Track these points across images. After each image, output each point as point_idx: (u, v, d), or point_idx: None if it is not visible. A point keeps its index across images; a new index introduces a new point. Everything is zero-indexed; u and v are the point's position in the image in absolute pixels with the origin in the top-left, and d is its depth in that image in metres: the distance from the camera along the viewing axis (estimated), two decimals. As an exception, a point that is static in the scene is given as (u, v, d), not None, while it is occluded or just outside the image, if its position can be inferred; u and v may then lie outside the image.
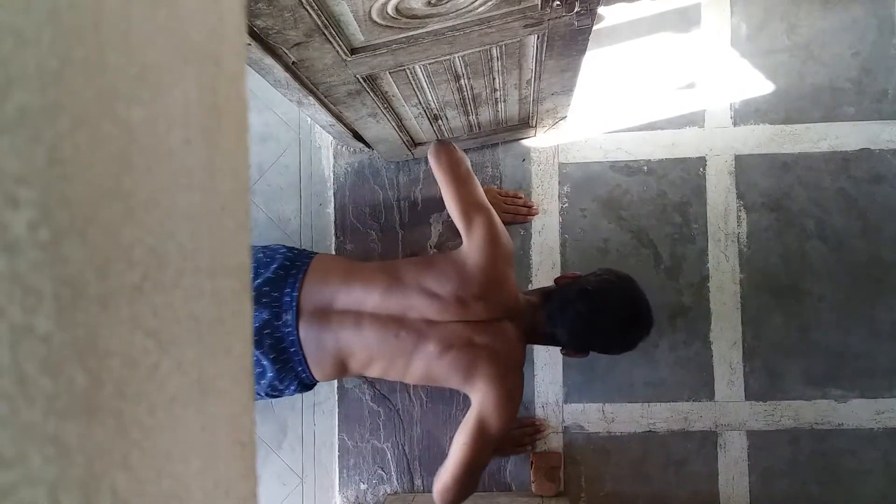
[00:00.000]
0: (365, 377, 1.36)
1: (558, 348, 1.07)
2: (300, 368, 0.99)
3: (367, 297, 0.97)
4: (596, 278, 1.00)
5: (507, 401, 0.93)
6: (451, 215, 1.04)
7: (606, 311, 0.95)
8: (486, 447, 0.93)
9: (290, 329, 0.96)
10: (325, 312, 0.97)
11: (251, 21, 0.66)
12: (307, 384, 1.03)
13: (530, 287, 1.38)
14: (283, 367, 0.98)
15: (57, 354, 0.17)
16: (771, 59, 1.39)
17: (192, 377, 0.23)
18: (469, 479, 0.94)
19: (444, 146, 1.06)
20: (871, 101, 1.37)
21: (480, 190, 1.04)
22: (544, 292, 1.04)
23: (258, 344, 0.96)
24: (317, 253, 1.06)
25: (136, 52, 0.20)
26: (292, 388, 1.02)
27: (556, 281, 1.06)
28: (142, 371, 0.20)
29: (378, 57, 0.79)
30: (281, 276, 0.99)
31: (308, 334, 0.96)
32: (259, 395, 1.04)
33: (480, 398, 0.93)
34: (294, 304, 0.97)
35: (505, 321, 0.97)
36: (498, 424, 0.92)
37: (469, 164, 1.08)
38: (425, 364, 0.94)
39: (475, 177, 1.06)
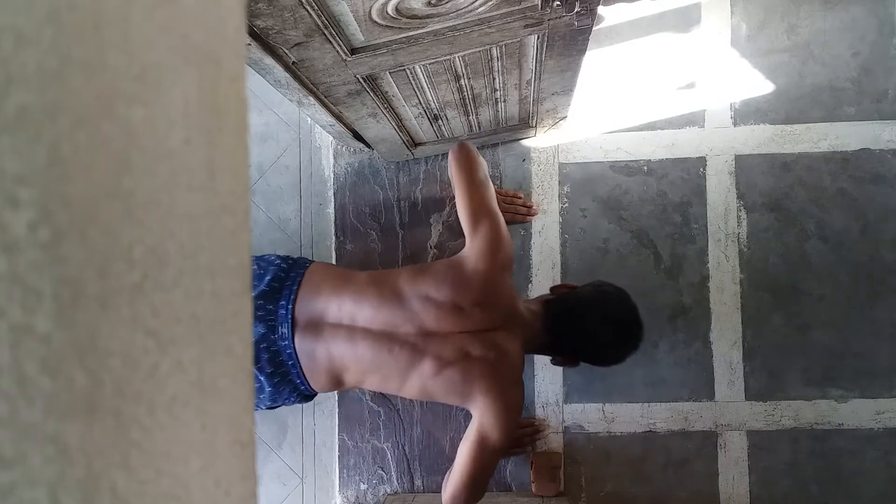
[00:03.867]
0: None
1: (548, 357, 1.08)
2: (298, 381, 0.98)
3: (359, 310, 0.95)
4: (594, 288, 1.03)
5: (506, 414, 0.92)
6: (459, 216, 1.03)
7: (607, 319, 0.98)
8: (491, 458, 0.94)
9: (286, 342, 0.95)
10: (318, 325, 0.96)
11: (251, 21, 0.66)
12: (306, 395, 1.03)
13: (529, 290, 1.38)
14: (282, 381, 0.98)
15: (57, 354, 0.17)
16: (771, 59, 1.39)
17: (192, 377, 0.23)
18: (476, 487, 0.95)
19: (466, 148, 1.05)
20: (871, 101, 1.37)
21: (493, 197, 1.03)
22: (543, 301, 1.04)
23: (255, 360, 0.95)
24: (312, 261, 1.05)
25: (136, 52, 0.20)
26: (292, 399, 1.02)
27: (551, 290, 1.08)
28: (142, 371, 0.20)
29: (378, 57, 0.79)
30: (275, 289, 0.98)
31: (303, 347, 0.96)
32: (258, 407, 1.04)
33: (480, 413, 0.92)
34: (289, 316, 0.96)
35: (502, 330, 0.95)
36: (499, 437, 0.92)
37: (487, 169, 1.07)
38: (420, 382, 0.93)
39: (491, 183, 1.06)
